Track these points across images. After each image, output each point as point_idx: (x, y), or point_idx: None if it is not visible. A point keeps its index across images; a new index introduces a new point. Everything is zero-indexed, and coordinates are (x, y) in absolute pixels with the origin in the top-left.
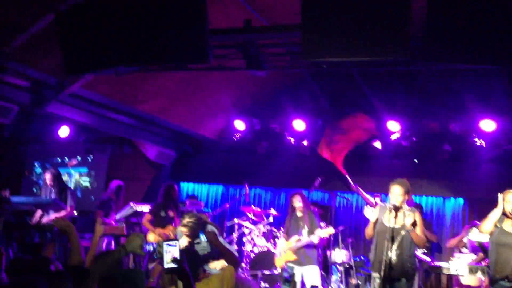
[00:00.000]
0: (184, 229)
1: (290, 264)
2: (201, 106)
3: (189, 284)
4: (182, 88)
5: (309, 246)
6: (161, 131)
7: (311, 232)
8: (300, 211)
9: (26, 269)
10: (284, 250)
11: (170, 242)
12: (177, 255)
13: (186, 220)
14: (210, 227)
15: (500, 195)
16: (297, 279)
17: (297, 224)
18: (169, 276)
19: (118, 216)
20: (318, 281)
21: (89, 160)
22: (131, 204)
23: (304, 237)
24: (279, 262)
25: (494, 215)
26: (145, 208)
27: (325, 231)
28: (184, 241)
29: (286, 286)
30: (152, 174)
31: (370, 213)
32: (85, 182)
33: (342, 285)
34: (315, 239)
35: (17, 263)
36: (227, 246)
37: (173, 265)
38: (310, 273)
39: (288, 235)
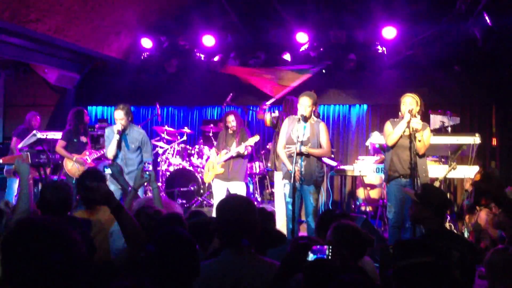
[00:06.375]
0: None
1: (217, 179)
2: (103, 24)
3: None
4: (80, 4)
5: (237, 161)
6: (59, 52)
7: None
8: (232, 130)
9: None
10: (212, 164)
11: None
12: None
13: None
14: None
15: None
16: (221, 193)
17: (228, 140)
18: None
19: (21, 145)
20: None
21: None
22: (34, 131)
23: (232, 149)
24: (207, 177)
25: (400, 128)
26: (50, 134)
27: (251, 140)
28: None
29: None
30: (55, 99)
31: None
32: None
33: (257, 193)
34: (241, 149)
35: None
36: None
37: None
38: (235, 189)
39: (219, 150)
